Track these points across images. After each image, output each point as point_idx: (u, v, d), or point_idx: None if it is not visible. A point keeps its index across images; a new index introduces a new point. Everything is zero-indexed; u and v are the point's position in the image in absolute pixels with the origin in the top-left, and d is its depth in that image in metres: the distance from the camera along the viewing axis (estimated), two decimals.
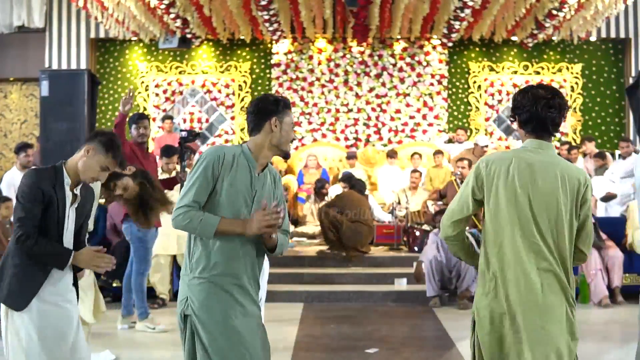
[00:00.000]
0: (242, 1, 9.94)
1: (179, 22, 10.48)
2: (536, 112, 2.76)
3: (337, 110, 12.31)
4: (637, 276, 7.71)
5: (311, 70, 12.31)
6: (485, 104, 12.43)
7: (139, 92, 12.29)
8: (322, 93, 12.32)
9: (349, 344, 5.81)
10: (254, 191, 2.89)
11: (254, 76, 12.42)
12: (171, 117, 11.57)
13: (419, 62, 12.32)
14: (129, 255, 6.31)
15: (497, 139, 12.31)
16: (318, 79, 12.31)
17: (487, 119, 12.42)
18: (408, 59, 12.33)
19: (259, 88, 12.42)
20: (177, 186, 6.53)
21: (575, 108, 12.31)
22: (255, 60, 12.45)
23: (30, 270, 3.11)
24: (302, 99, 12.26)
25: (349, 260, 8.27)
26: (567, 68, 12.42)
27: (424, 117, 12.29)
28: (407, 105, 12.30)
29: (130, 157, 5.66)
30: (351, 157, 11.14)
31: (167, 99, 12.37)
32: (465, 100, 12.45)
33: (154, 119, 11.99)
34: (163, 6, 9.66)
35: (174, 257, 7.50)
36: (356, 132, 12.31)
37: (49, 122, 7.31)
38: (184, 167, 6.36)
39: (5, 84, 12.46)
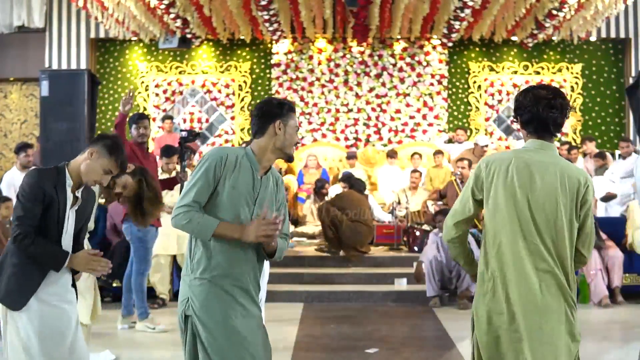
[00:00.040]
0: (242, 1, 9.94)
1: (179, 22, 10.48)
2: (537, 112, 2.75)
3: (337, 110, 12.31)
4: (637, 276, 7.72)
5: (311, 70, 12.31)
6: (485, 104, 12.43)
7: (139, 92, 12.29)
8: (322, 93, 12.32)
9: (349, 344, 5.81)
10: (256, 193, 2.89)
11: (254, 76, 12.42)
12: (171, 117, 11.57)
13: (419, 62, 12.32)
14: (129, 255, 6.31)
15: (497, 139, 12.31)
16: (318, 79, 12.31)
17: (487, 119, 12.41)
18: (408, 59, 12.33)
19: (259, 88, 12.43)
20: (177, 186, 6.54)
21: (575, 108, 12.31)
22: (255, 60, 12.45)
23: (29, 270, 3.11)
24: (302, 99, 12.26)
25: (348, 260, 8.27)
26: (567, 68, 12.42)
27: (424, 117, 12.29)
28: (407, 105, 12.30)
29: (130, 157, 5.62)
30: (351, 157, 11.14)
31: (167, 99, 12.37)
32: (465, 100, 12.45)
33: (154, 119, 11.99)
34: (163, 6, 9.66)
35: (174, 257, 7.50)
36: (356, 132, 12.31)
37: (49, 122, 7.32)
38: (184, 167, 6.36)
39: (5, 84, 12.46)
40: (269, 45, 12.34)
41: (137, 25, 10.84)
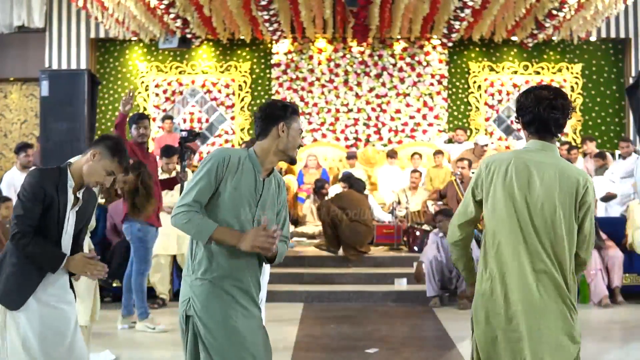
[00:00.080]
0: (242, 1, 9.94)
1: (179, 22, 10.48)
2: (539, 113, 2.74)
3: (337, 110, 12.31)
4: (637, 276, 7.72)
5: (311, 70, 12.31)
6: (485, 104, 12.43)
7: (139, 92, 12.29)
8: (322, 93, 12.32)
9: (349, 344, 5.81)
10: (258, 195, 2.90)
11: (254, 76, 12.43)
12: (171, 117, 11.58)
13: (419, 62, 12.32)
14: (129, 255, 6.32)
15: (497, 139, 12.31)
16: (318, 79, 12.32)
17: (487, 119, 12.41)
18: (408, 59, 12.33)
19: (259, 88, 12.43)
20: (177, 186, 6.54)
21: (575, 108, 12.31)
22: (255, 60, 12.45)
23: (28, 270, 3.11)
24: (302, 99, 12.26)
25: (348, 260, 8.27)
26: (567, 68, 12.42)
27: (424, 117, 12.29)
28: (407, 105, 12.30)
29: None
30: (351, 157, 11.14)
31: (167, 99, 12.37)
32: (465, 100, 12.45)
33: (154, 119, 11.99)
34: (163, 6, 9.66)
35: (174, 257, 7.50)
36: (356, 132, 12.31)
37: (49, 122, 7.32)
38: (184, 167, 6.37)
39: (5, 84, 12.46)
40: (269, 45, 12.34)
41: (137, 25, 10.84)
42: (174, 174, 7.08)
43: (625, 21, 12.19)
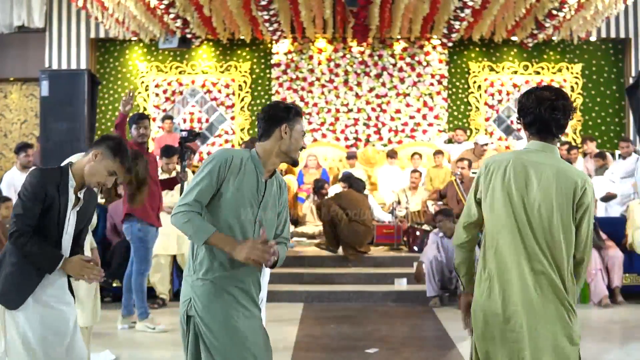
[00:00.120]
0: (242, 1, 9.95)
1: (179, 22, 10.48)
2: (540, 114, 2.73)
3: (337, 110, 12.31)
4: (637, 276, 7.72)
5: (311, 70, 12.31)
6: (485, 104, 12.43)
7: (139, 92, 12.29)
8: (322, 93, 12.32)
9: (349, 344, 5.81)
10: (260, 196, 2.90)
11: (254, 76, 12.42)
12: (171, 117, 11.58)
13: (419, 62, 12.32)
14: (129, 255, 6.31)
15: (497, 139, 12.31)
16: (318, 79, 12.32)
17: (487, 119, 12.42)
18: (408, 59, 12.33)
19: (259, 88, 12.43)
20: (178, 186, 6.54)
21: (576, 108, 12.31)
22: (255, 60, 12.45)
23: (27, 270, 3.11)
24: (302, 99, 12.26)
25: (347, 259, 8.27)
26: (567, 68, 12.42)
27: (424, 117, 12.30)
28: (407, 105, 12.30)
29: None
30: (351, 157, 11.14)
31: (167, 99, 12.37)
32: (465, 100, 12.45)
33: (154, 119, 11.99)
34: (163, 6, 9.66)
35: (174, 257, 7.50)
36: (356, 132, 12.31)
37: (49, 122, 7.33)
38: (184, 167, 6.37)
39: (5, 84, 12.46)
40: (269, 45, 12.34)
41: (137, 25, 10.84)
42: (174, 174, 7.08)
43: (625, 21, 12.20)
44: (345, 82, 12.31)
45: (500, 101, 12.42)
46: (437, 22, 11.15)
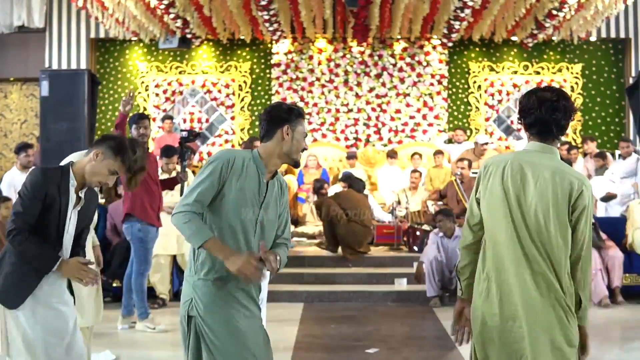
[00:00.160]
0: (242, 1, 9.94)
1: (179, 22, 10.48)
2: (541, 115, 2.72)
3: (337, 110, 12.31)
4: (637, 276, 7.72)
5: (311, 70, 12.31)
6: (485, 104, 12.43)
7: (139, 92, 12.29)
8: (322, 93, 12.32)
9: (349, 344, 5.81)
10: (262, 197, 2.90)
11: (254, 76, 12.42)
12: (171, 117, 11.58)
13: (419, 62, 12.32)
14: (129, 255, 6.32)
15: (497, 139, 12.31)
16: (318, 79, 12.31)
17: (487, 119, 12.41)
18: (408, 59, 12.33)
19: (259, 88, 12.42)
20: (178, 186, 6.54)
21: (576, 109, 12.29)
22: (255, 60, 12.44)
23: (26, 270, 3.11)
24: (302, 99, 12.26)
25: (347, 259, 8.26)
26: (567, 68, 12.41)
27: (424, 117, 12.29)
28: (407, 105, 12.30)
29: None
30: (351, 157, 11.15)
31: (167, 99, 12.37)
32: (465, 100, 12.45)
33: (154, 119, 11.99)
34: (163, 6, 9.66)
35: (174, 257, 7.50)
36: (356, 132, 12.31)
37: (49, 122, 7.32)
38: (185, 167, 6.37)
39: (5, 84, 12.46)
40: (269, 45, 12.34)
41: (137, 25, 10.84)
42: (174, 174, 7.08)
43: (625, 21, 12.20)
44: (345, 82, 12.31)
45: (500, 101, 12.42)
46: (437, 22, 11.15)
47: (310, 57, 12.31)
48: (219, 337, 2.79)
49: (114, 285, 7.30)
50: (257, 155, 2.92)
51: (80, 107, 7.29)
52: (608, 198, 9.21)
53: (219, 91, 12.37)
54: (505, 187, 2.73)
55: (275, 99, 12.20)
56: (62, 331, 3.17)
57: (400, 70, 12.30)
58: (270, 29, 10.94)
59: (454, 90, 12.44)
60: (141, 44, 12.29)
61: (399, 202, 9.42)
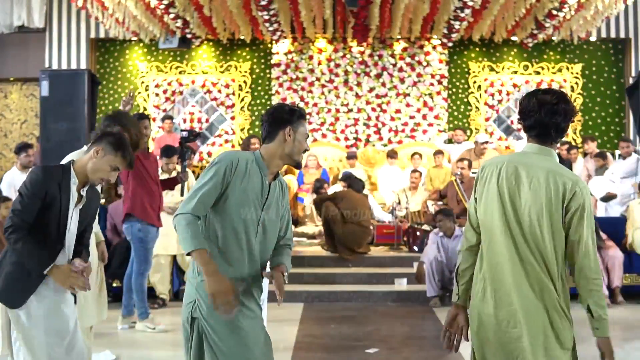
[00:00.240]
0: (242, 1, 9.94)
1: (179, 22, 10.48)
2: (540, 117, 2.72)
3: (337, 110, 12.31)
4: (637, 276, 7.72)
5: (311, 70, 12.31)
6: (485, 104, 12.43)
7: (139, 92, 12.29)
8: (322, 93, 12.32)
9: (349, 344, 5.81)
10: (264, 199, 2.91)
11: (254, 76, 12.42)
12: (171, 117, 11.58)
13: (419, 62, 12.32)
14: (129, 255, 6.32)
15: (497, 139, 12.31)
16: (318, 79, 12.31)
17: (487, 119, 12.41)
18: (408, 59, 12.33)
19: (259, 88, 12.42)
20: (178, 186, 6.55)
21: (577, 112, 12.28)
22: (255, 60, 12.44)
23: (28, 269, 3.11)
24: (302, 99, 12.26)
25: (344, 260, 8.26)
26: (567, 68, 12.41)
27: (424, 117, 12.29)
28: (407, 105, 12.30)
29: None
30: (351, 157, 11.15)
31: (167, 99, 12.37)
32: (465, 100, 12.45)
33: (154, 119, 11.99)
34: (163, 6, 9.66)
35: (174, 257, 7.50)
36: (356, 132, 12.31)
37: (49, 122, 7.33)
38: (185, 167, 6.37)
39: (5, 84, 12.46)
40: (269, 45, 12.33)
41: (137, 25, 10.84)
42: (174, 174, 7.08)
43: (625, 21, 12.19)
44: (345, 82, 12.31)
45: (500, 101, 12.42)
46: (437, 22, 11.15)
47: (310, 57, 12.31)
48: (222, 337, 2.80)
49: (114, 285, 7.30)
50: (260, 156, 2.93)
51: (80, 107, 7.29)
52: (608, 198, 9.21)
53: (219, 91, 12.37)
54: (500, 188, 2.73)
55: (275, 99, 12.20)
56: (63, 331, 3.17)
57: (400, 70, 12.30)
58: (270, 29, 10.94)
59: (454, 90, 12.44)
60: (141, 44, 12.29)
61: (399, 202, 9.43)
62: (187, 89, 12.38)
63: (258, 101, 12.36)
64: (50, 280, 3.15)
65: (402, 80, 12.30)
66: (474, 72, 12.40)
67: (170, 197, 7.36)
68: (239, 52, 12.42)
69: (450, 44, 12.10)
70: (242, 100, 12.37)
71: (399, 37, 12.05)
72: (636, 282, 7.70)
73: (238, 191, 2.83)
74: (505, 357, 2.70)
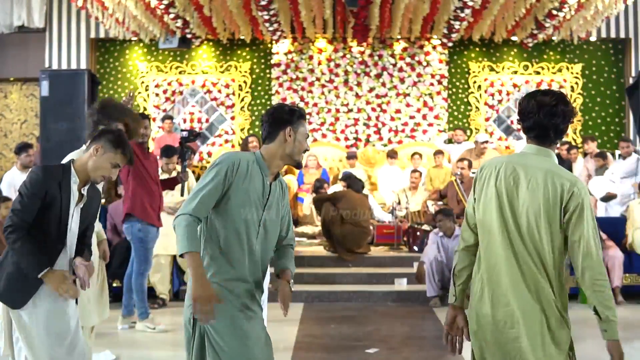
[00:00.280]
0: (242, 1, 9.94)
1: (179, 22, 10.48)
2: (539, 119, 2.72)
3: (337, 110, 12.31)
4: (637, 276, 7.73)
5: (311, 70, 12.31)
6: (485, 104, 12.42)
7: (139, 92, 12.29)
8: (322, 93, 12.31)
9: (349, 344, 5.81)
10: (265, 199, 2.91)
11: (254, 76, 12.42)
12: (171, 117, 11.58)
13: (419, 62, 12.32)
14: (129, 255, 6.32)
15: (497, 139, 12.31)
16: (318, 79, 12.31)
17: (487, 119, 12.41)
18: (408, 59, 12.33)
19: (259, 88, 12.42)
20: (178, 186, 6.55)
21: (576, 113, 12.27)
22: (255, 60, 12.44)
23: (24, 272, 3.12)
24: (302, 99, 12.26)
25: (344, 260, 8.26)
26: (567, 68, 12.41)
27: (424, 117, 12.29)
28: (407, 105, 12.30)
29: None
30: (351, 157, 11.14)
31: (167, 99, 12.36)
32: (465, 100, 12.45)
33: (154, 119, 11.99)
34: (163, 6, 9.66)
35: (174, 257, 7.50)
36: (356, 132, 12.31)
37: (49, 122, 7.33)
38: (185, 167, 6.37)
39: (5, 84, 12.46)
40: (269, 45, 12.33)
41: (137, 25, 10.84)
42: (174, 174, 7.08)
43: (625, 21, 12.19)
44: (345, 82, 12.31)
45: (500, 101, 12.42)
46: (437, 22, 11.15)
47: (310, 57, 12.31)
48: (223, 338, 2.80)
49: (114, 285, 7.30)
50: (260, 157, 2.93)
51: (80, 107, 7.29)
52: (608, 198, 9.21)
53: (219, 91, 12.37)
54: (498, 189, 2.73)
55: (275, 99, 12.20)
56: (64, 331, 3.17)
57: (400, 70, 12.30)
58: (270, 29, 10.94)
59: (454, 90, 12.44)
60: (141, 44, 12.28)
61: (399, 202, 9.43)
62: (187, 89, 12.38)
63: (258, 101, 12.36)
64: None
65: (402, 80, 12.30)
66: (474, 72, 12.40)
67: (170, 197, 7.36)
68: (239, 52, 12.42)
69: (450, 44, 12.10)
70: (242, 100, 12.37)
71: (399, 37, 12.05)
72: (636, 282, 7.70)
73: (240, 192, 2.83)
74: (503, 358, 2.70)
